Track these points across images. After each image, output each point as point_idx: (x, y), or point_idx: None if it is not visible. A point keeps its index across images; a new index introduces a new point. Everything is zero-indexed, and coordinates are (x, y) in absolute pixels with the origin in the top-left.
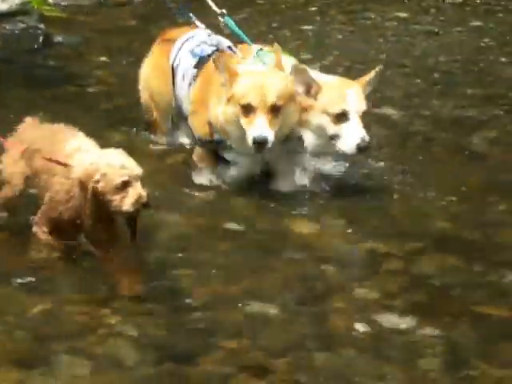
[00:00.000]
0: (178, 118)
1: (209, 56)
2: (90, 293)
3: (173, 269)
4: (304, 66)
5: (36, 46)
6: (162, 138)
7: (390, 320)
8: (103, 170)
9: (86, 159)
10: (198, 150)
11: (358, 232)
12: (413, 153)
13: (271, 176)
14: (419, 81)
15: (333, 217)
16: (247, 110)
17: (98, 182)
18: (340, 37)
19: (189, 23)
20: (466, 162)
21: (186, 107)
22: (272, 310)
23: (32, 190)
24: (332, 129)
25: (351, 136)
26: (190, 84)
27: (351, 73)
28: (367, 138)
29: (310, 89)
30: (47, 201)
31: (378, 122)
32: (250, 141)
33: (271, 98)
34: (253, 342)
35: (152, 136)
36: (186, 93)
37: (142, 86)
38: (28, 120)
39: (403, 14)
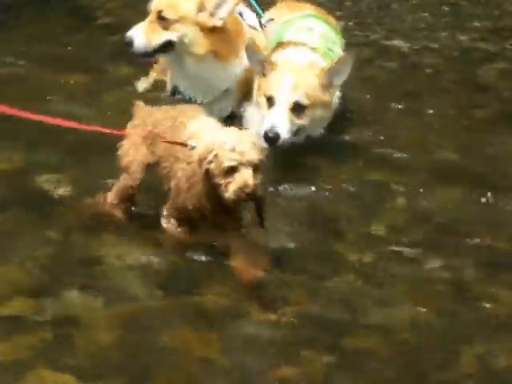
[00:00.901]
0: None
1: None
2: None
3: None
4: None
5: None
6: None
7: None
8: (216, 151)
9: (207, 139)
10: None
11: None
12: (421, 84)
13: None
14: (426, 14)
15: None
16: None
17: (210, 162)
18: None
19: None
20: (474, 94)
21: None
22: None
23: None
24: (264, 111)
25: (264, 123)
26: None
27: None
28: (276, 130)
29: (264, 68)
30: (173, 190)
31: (386, 54)
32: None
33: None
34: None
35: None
36: None
37: None
38: (140, 103)
39: None
